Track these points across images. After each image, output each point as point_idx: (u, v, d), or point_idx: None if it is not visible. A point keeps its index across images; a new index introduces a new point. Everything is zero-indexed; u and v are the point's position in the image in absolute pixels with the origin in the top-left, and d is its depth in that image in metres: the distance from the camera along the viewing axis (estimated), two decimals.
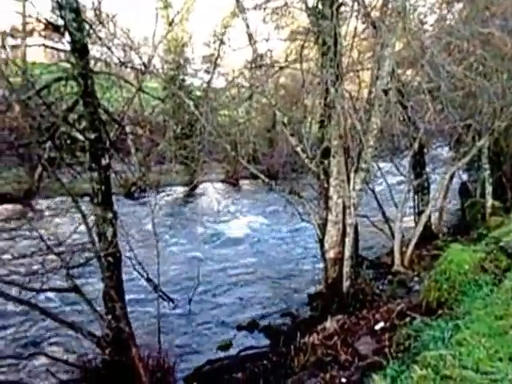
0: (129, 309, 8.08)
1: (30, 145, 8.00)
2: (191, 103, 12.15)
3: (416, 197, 14.48)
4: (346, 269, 9.87)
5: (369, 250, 14.46)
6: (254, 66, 11.55)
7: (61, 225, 18.38)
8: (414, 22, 10.51)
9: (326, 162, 10.14)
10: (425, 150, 14.91)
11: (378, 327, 7.21)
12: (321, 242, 10.52)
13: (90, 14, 9.23)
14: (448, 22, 12.04)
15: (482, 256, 7.16)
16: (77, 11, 6.89)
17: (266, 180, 11.37)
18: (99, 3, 8.82)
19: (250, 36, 11.01)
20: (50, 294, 10.08)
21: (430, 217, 13.94)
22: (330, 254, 10.26)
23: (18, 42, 26.01)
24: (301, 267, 14.54)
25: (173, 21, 25.03)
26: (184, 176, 28.88)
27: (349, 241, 9.87)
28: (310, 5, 9.87)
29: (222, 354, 9.21)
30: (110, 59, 10.08)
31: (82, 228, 7.69)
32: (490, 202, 14.64)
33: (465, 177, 17.41)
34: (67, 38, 7.05)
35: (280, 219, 19.34)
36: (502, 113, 12.12)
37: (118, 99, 11.08)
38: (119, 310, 7.49)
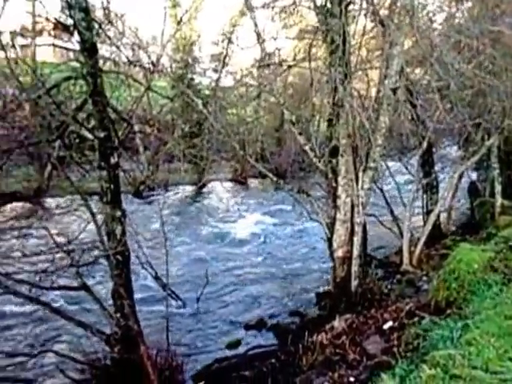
0: (137, 307, 8.11)
1: (39, 143, 8.04)
2: (199, 102, 12.18)
3: (425, 196, 14.42)
4: (355, 268, 9.85)
5: (377, 250, 14.42)
6: (262, 64, 11.55)
7: (70, 223, 18.50)
8: (422, 20, 10.46)
9: (334, 160, 10.11)
10: (433, 149, 14.84)
11: (386, 326, 7.19)
12: (329, 240, 10.50)
13: (99, 14, 9.26)
14: (457, 20, 11.97)
15: (491, 255, 7.14)
16: (86, 11, 6.91)
17: (275, 179, 11.37)
18: (108, 2, 8.83)
19: (259, 35, 11.00)
20: (57, 293, 10.15)
21: (438, 216, 13.89)
22: (339, 253, 10.23)
23: (28, 41, 26.17)
24: (309, 266, 14.53)
25: (181, 20, 25.08)
26: (192, 175, 28.98)
27: (357, 240, 9.84)
28: (319, 3, 9.84)
29: (230, 353, 9.22)
30: (119, 58, 10.11)
31: (91, 226, 7.72)
32: (499, 201, 14.54)
33: (474, 176, 17.30)
34: (76, 37, 7.08)
35: (288, 218, 19.33)
36: None
37: (127, 98, 11.12)
38: (128, 308, 7.51)
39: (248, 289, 12.82)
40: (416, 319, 6.69)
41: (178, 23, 23.68)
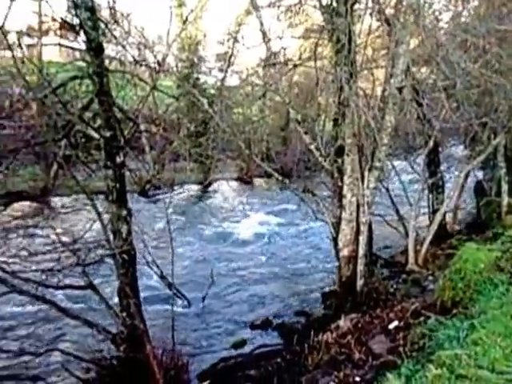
0: (142, 307, 8.13)
1: (45, 143, 8.07)
2: (205, 101, 12.18)
3: (430, 195, 14.38)
4: (360, 267, 9.84)
5: (383, 249, 14.40)
6: (267, 63, 11.55)
7: (76, 222, 18.55)
8: (428, 19, 10.43)
9: (339, 160, 10.10)
10: (439, 148, 14.80)
11: (392, 326, 7.17)
12: (334, 240, 10.49)
13: (105, 13, 9.29)
14: (463, 19, 11.94)
15: (497, 255, 7.12)
16: (92, 10, 6.93)
17: (280, 178, 11.36)
18: (114, 2, 8.85)
19: (264, 34, 11.00)
20: (61, 291, 10.19)
21: (444, 215, 13.85)
22: (344, 253, 10.23)
23: (34, 41, 26.27)
24: (314, 266, 14.53)
25: (187, 19, 25.07)
26: (198, 174, 29.02)
27: (363, 239, 9.83)
28: (324, 2, 9.83)
29: (235, 352, 9.23)
30: (125, 58, 10.15)
31: (97, 225, 7.74)
32: (505, 200, 14.49)
33: (480, 175, 17.23)
34: (82, 36, 7.10)
35: (293, 218, 19.35)
36: None
37: (133, 97, 11.14)
38: (134, 307, 7.53)
39: (253, 288, 12.82)
40: (422, 319, 6.67)
41: (184, 22, 23.65)
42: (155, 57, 10.20)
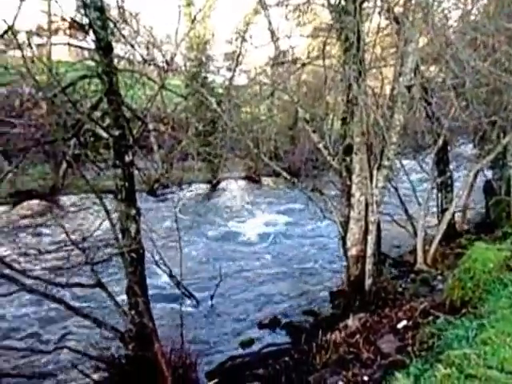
0: (151, 305, 8.16)
1: (55, 142, 8.10)
2: (213, 100, 12.20)
3: (439, 195, 14.32)
4: (369, 266, 9.81)
5: (391, 248, 14.36)
6: (276, 62, 11.55)
7: (85, 221, 18.67)
8: (438, 17, 10.38)
9: (348, 159, 10.08)
10: (448, 147, 14.73)
11: (400, 326, 7.16)
12: (343, 239, 10.47)
13: (113, 13, 9.31)
14: (473, 17, 11.86)
15: (507, 254, 7.08)
16: (101, 10, 6.96)
17: (288, 177, 11.36)
18: (123, 2, 8.89)
19: (273, 33, 11.00)
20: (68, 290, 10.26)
21: (453, 215, 13.77)
22: (352, 252, 10.20)
23: (44, 40, 26.41)
24: (322, 265, 14.52)
25: (195, 18, 25.13)
26: (206, 173, 29.10)
27: (371, 238, 9.80)
28: (333, 1, 9.81)
29: (243, 351, 9.26)
30: (134, 57, 10.17)
31: (106, 224, 7.78)
32: None
33: (489, 174, 17.12)
34: (91, 36, 7.13)
35: (301, 217, 19.33)
36: None
37: (141, 97, 11.16)
38: (142, 305, 7.56)
39: (261, 287, 12.84)
40: (431, 318, 6.66)
41: (192, 22, 23.73)
42: (164, 56, 10.23)
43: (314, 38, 13.39)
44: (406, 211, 13.51)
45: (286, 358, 8.02)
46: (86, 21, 7.06)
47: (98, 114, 7.75)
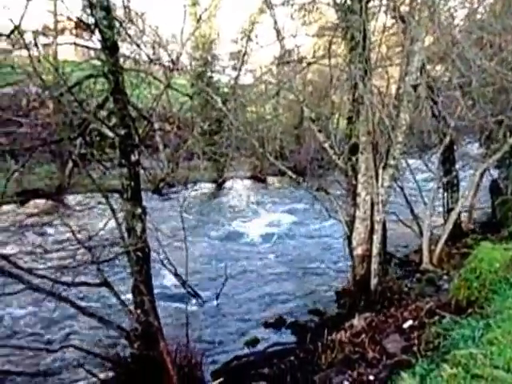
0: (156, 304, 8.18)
1: (61, 141, 8.14)
2: (219, 99, 12.21)
3: (445, 194, 14.27)
4: (374, 266, 9.80)
5: (397, 248, 14.32)
6: (281, 62, 11.54)
7: (90, 220, 18.72)
8: (444, 16, 10.35)
9: (353, 158, 10.07)
10: (455, 147, 14.68)
11: (406, 325, 7.14)
12: (348, 238, 10.47)
13: (119, 13, 9.33)
14: (479, 16, 11.82)
15: None
16: (107, 9, 6.98)
17: (294, 176, 11.36)
18: (128, 1, 8.90)
19: (278, 32, 11.00)
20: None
21: (459, 215, 13.72)
22: (358, 251, 10.19)
23: (50, 40, 26.48)
24: (328, 264, 14.50)
25: (201, 18, 25.14)
26: (212, 172, 29.11)
27: (377, 238, 9.79)
28: (338, 0, 9.80)
29: (249, 350, 9.26)
30: (139, 56, 10.18)
31: (112, 223, 7.80)
32: None
33: (496, 174, 17.05)
34: (98, 35, 7.15)
35: (306, 217, 19.31)
36: None
37: (147, 96, 11.18)
38: (148, 303, 7.58)
39: (266, 287, 12.83)
40: (436, 318, 6.64)
41: (198, 21, 23.76)
42: (169, 55, 10.25)
43: (319, 37, 13.39)
44: (412, 211, 13.47)
45: (292, 358, 8.01)
46: (92, 20, 7.09)
47: (103, 113, 7.77)
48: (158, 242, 9.34)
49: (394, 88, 11.04)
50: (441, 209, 14.50)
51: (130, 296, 7.86)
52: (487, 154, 13.36)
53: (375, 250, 9.79)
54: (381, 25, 10.09)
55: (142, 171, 8.00)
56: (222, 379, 7.68)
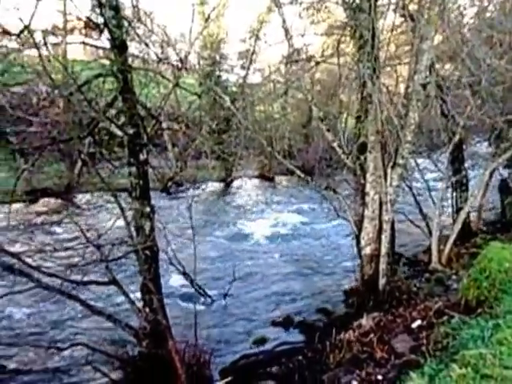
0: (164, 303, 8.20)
1: (70, 140, 8.17)
2: (227, 99, 12.22)
3: (454, 194, 14.21)
4: (383, 266, 9.78)
5: (405, 248, 14.28)
6: (290, 61, 11.53)
7: (99, 219, 18.78)
8: (453, 14, 10.30)
9: (362, 157, 10.05)
10: (464, 146, 14.61)
11: (414, 325, 7.13)
12: (357, 238, 10.45)
13: (128, 12, 9.36)
14: (489, 15, 11.75)
15: None
16: (116, 9, 7.01)
17: (302, 175, 11.34)
18: (137, 1, 8.94)
19: (286, 31, 10.99)
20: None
21: (468, 214, 13.66)
22: (366, 251, 10.17)
23: (59, 39, 26.58)
24: (336, 264, 14.48)
25: (209, 17, 25.16)
26: (220, 171, 29.14)
27: (385, 237, 9.76)
28: None
29: (257, 349, 9.26)
30: (148, 56, 10.21)
31: (121, 222, 7.82)
32: None
33: (505, 173, 16.94)
34: (106, 35, 7.18)
35: (314, 216, 19.30)
36: None
37: (156, 95, 11.22)
38: (156, 302, 7.60)
39: (274, 286, 12.82)
40: (445, 318, 6.62)
41: (206, 20, 23.77)
42: (178, 55, 10.28)
43: (328, 36, 13.35)
44: (421, 210, 13.43)
45: (300, 357, 8.02)
46: (101, 20, 7.12)
47: (112, 112, 7.80)
48: (166, 240, 9.36)
49: (402, 87, 11.00)
50: (450, 208, 14.43)
51: (138, 295, 7.89)
52: (496, 153, 13.27)
53: (384, 250, 9.77)
54: (389, 23, 10.06)
55: (150, 170, 8.04)
56: (230, 378, 7.69)
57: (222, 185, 29.61)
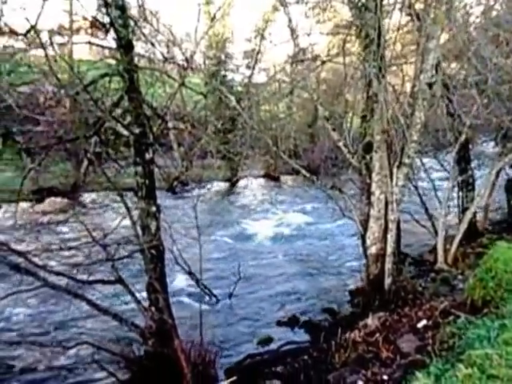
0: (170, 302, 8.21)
1: (77, 140, 8.20)
2: (233, 98, 12.23)
3: (460, 193, 14.16)
4: (388, 265, 9.75)
5: (411, 247, 14.24)
6: (295, 60, 11.53)
7: (105, 218, 18.84)
8: (459, 13, 10.26)
9: (368, 157, 10.03)
10: (470, 146, 14.55)
11: (420, 325, 7.12)
12: (362, 237, 10.43)
13: (134, 11, 9.38)
14: (495, 13, 11.71)
15: None
16: (122, 8, 7.02)
17: (307, 175, 11.33)
18: (143, 0, 8.96)
19: (292, 30, 10.98)
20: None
21: (474, 214, 13.61)
22: (372, 250, 10.16)
23: (65, 39, 26.68)
24: (341, 263, 14.47)
25: (214, 16, 25.18)
26: (225, 171, 29.18)
27: (391, 236, 9.74)
28: None
29: (262, 349, 9.26)
30: (154, 55, 10.23)
31: (127, 221, 7.84)
32: None
33: (511, 173, 16.88)
34: (112, 35, 7.20)
35: (320, 216, 19.27)
36: None
37: (162, 95, 11.25)
38: (162, 301, 7.61)
39: (279, 286, 12.82)
40: (451, 318, 6.61)
41: (212, 20, 23.80)
42: (183, 54, 10.29)
43: (333, 36, 13.33)
44: (427, 210, 13.39)
45: (305, 357, 8.00)
46: (107, 19, 7.14)
47: (118, 111, 7.82)
48: (171, 240, 9.37)
49: (408, 86, 10.97)
50: (456, 208, 14.38)
51: (144, 294, 7.90)
52: (503, 152, 13.22)
53: (389, 249, 9.75)
54: (395, 22, 10.03)
55: (156, 169, 8.04)
56: (235, 377, 7.69)
57: (227, 184, 29.65)
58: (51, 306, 10.98)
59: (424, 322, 7.15)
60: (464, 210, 13.57)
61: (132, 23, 7.44)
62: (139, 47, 9.31)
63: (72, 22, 26.89)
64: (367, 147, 10.03)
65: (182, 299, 11.43)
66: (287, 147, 12.19)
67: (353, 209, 10.64)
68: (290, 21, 10.89)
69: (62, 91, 7.99)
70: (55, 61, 8.47)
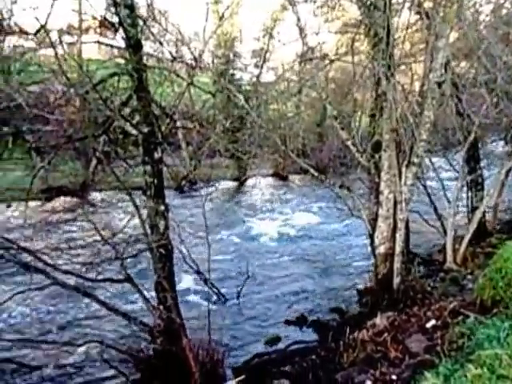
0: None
1: (86, 139, 8.24)
2: (241, 97, 12.22)
3: (470, 193, 14.08)
4: (397, 265, 9.72)
5: (420, 247, 14.18)
6: (304, 59, 11.50)
7: (114, 217, 18.91)
8: (469, 11, 10.20)
9: (376, 156, 10.00)
10: (479, 145, 14.47)
11: (429, 325, 7.09)
12: (371, 237, 10.40)
13: (142, 11, 9.40)
14: (505, 11, 11.63)
15: None
16: (131, 7, 7.04)
17: (316, 174, 11.31)
18: None
19: (301, 29, 10.95)
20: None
21: (484, 214, 13.53)
22: (381, 250, 10.12)
23: (74, 39, 26.79)
24: (350, 263, 14.43)
25: (223, 15, 25.17)
26: (234, 170, 29.19)
27: (400, 236, 9.70)
28: None
29: (270, 348, 9.26)
30: (162, 54, 10.25)
31: (135, 220, 7.87)
32: None
33: None
34: (121, 34, 7.22)
35: (328, 214, 19.24)
36: None
37: (170, 94, 11.26)
38: (170, 300, 7.63)
39: (288, 285, 12.82)
40: (460, 318, 6.57)
41: (220, 19, 23.78)
42: (192, 53, 10.28)
43: (342, 34, 13.31)
44: (436, 209, 13.33)
45: (313, 356, 7.99)
46: (116, 19, 7.16)
47: (127, 110, 7.85)
48: (180, 239, 9.39)
49: (417, 85, 10.92)
50: (465, 208, 14.31)
51: (152, 293, 7.92)
52: None
53: (398, 249, 9.71)
54: (404, 21, 9.98)
55: (164, 169, 8.07)
56: (243, 376, 7.70)
57: (235, 183, 29.67)
58: (60, 305, 11.04)
59: (433, 321, 7.12)
60: (473, 210, 13.50)
61: (141, 22, 7.47)
62: (148, 46, 9.34)
63: (81, 21, 26.98)
64: (376, 146, 9.99)
65: (190, 298, 11.46)
66: (296, 146, 12.16)
67: (361, 208, 10.61)
68: (298, 19, 10.86)
69: (72, 90, 8.02)
70: (65, 60, 8.51)
